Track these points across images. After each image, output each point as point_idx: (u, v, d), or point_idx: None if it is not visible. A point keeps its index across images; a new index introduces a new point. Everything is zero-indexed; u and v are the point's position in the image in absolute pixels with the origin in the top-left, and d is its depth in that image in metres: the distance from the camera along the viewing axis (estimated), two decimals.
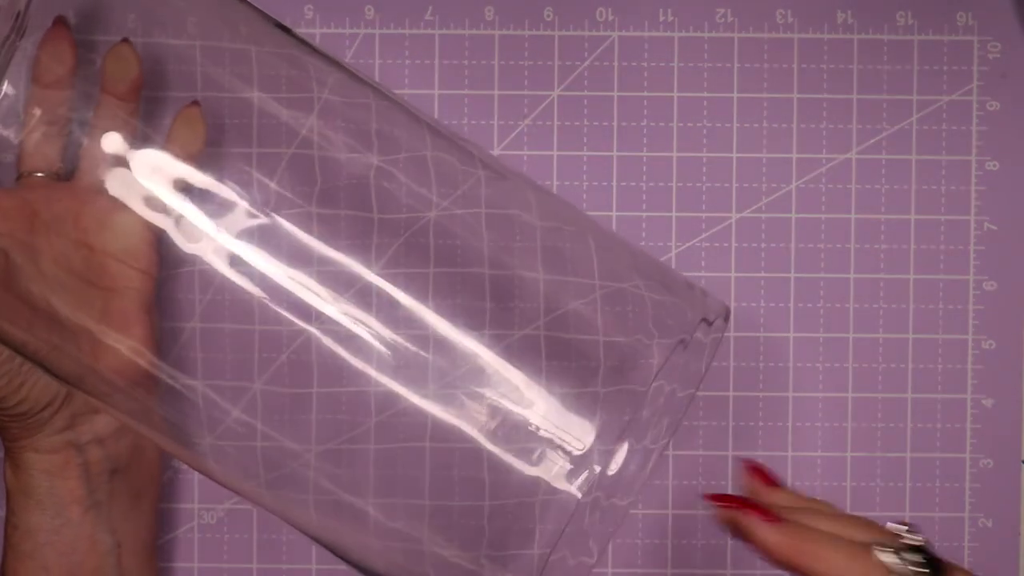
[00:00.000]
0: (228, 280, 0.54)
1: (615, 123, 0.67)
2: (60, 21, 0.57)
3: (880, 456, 0.67)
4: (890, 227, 0.67)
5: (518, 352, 0.53)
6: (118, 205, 0.57)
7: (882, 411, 0.67)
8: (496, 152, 0.67)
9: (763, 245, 0.67)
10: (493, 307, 0.54)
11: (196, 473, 0.67)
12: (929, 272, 0.67)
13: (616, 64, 0.67)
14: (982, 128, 0.67)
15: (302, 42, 0.56)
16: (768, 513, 0.51)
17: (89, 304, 0.56)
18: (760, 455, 0.67)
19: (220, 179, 0.55)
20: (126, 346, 0.56)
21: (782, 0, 0.67)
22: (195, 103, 0.57)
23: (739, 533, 0.52)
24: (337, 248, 0.53)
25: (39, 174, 0.59)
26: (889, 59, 0.67)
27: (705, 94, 0.67)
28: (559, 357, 0.53)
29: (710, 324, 0.54)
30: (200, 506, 0.67)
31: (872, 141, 0.67)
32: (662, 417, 0.55)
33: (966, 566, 0.67)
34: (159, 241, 0.57)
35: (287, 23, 0.58)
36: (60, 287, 0.56)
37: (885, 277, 0.67)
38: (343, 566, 0.67)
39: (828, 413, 0.67)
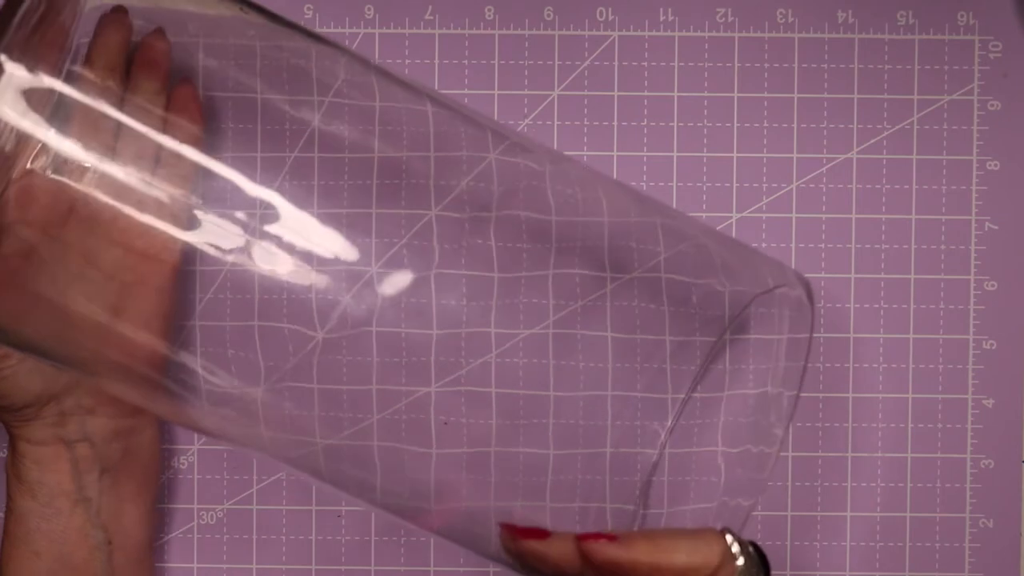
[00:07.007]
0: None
1: (615, 123, 0.67)
2: (108, 22, 0.57)
3: (880, 456, 0.67)
4: (890, 227, 0.67)
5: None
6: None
7: (882, 411, 0.67)
8: (496, 153, 0.67)
9: (763, 245, 0.67)
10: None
11: (196, 473, 0.67)
12: (929, 272, 0.67)
13: (616, 64, 0.67)
14: (983, 128, 0.67)
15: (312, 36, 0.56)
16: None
17: (106, 300, 0.56)
18: None
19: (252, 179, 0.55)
20: (138, 340, 0.56)
21: (782, 0, 0.67)
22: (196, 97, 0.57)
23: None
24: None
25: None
26: (890, 59, 0.67)
27: (705, 94, 0.67)
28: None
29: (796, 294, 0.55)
30: (200, 506, 0.67)
31: (873, 141, 0.67)
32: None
33: (967, 567, 0.67)
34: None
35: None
36: (80, 283, 0.55)
37: (885, 277, 0.67)
38: (344, 566, 0.67)
39: (828, 413, 0.67)
